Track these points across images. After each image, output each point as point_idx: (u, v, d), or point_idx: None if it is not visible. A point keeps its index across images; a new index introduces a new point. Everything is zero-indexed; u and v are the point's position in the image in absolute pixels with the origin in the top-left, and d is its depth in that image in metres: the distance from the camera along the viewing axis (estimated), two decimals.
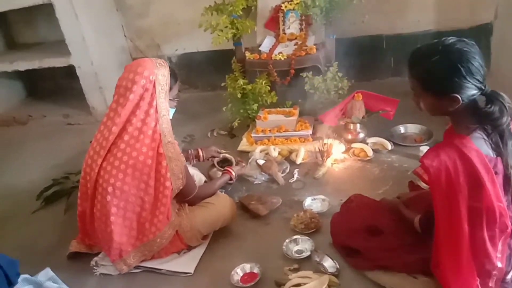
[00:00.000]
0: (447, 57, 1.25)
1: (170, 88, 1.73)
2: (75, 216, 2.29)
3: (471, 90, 1.25)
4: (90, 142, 1.80)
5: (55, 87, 4.24)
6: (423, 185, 1.97)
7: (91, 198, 1.75)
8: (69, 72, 3.68)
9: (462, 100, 1.25)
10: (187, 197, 1.86)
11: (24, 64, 3.51)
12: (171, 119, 1.77)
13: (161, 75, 1.67)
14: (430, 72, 1.28)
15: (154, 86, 1.65)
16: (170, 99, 1.76)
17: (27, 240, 2.21)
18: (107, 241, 1.76)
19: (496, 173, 1.26)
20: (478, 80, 1.24)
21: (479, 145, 1.26)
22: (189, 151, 2.29)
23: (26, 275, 1.64)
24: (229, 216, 1.93)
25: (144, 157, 1.65)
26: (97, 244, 1.92)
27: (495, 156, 1.27)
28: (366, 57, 3.32)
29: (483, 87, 1.26)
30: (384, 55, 3.40)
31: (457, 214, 1.26)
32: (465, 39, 1.28)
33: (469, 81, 1.23)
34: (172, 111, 1.83)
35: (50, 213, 2.40)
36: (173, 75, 1.75)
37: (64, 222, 2.29)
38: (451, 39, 1.28)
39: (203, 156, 2.30)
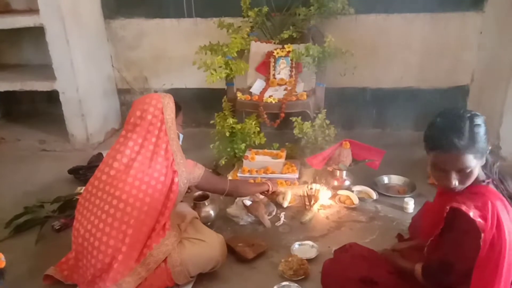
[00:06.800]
0: (482, 123, 1.35)
1: (176, 115, 1.88)
2: (47, 248, 2.19)
3: None
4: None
5: (32, 111, 4.11)
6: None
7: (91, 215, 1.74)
8: (49, 97, 3.58)
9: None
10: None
11: (4, 85, 3.38)
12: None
13: (167, 102, 1.84)
14: (476, 137, 1.33)
15: (162, 112, 1.80)
16: (179, 124, 1.93)
17: None
18: (105, 261, 1.67)
19: None
20: None
21: None
22: None
23: None
24: (220, 260, 1.86)
25: (158, 174, 1.76)
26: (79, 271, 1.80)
27: None
28: (351, 107, 3.45)
29: None
30: (367, 107, 3.52)
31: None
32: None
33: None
34: (181, 137, 1.97)
35: (20, 243, 2.24)
36: (177, 104, 1.91)
37: (36, 253, 2.15)
38: (467, 110, 1.39)
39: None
